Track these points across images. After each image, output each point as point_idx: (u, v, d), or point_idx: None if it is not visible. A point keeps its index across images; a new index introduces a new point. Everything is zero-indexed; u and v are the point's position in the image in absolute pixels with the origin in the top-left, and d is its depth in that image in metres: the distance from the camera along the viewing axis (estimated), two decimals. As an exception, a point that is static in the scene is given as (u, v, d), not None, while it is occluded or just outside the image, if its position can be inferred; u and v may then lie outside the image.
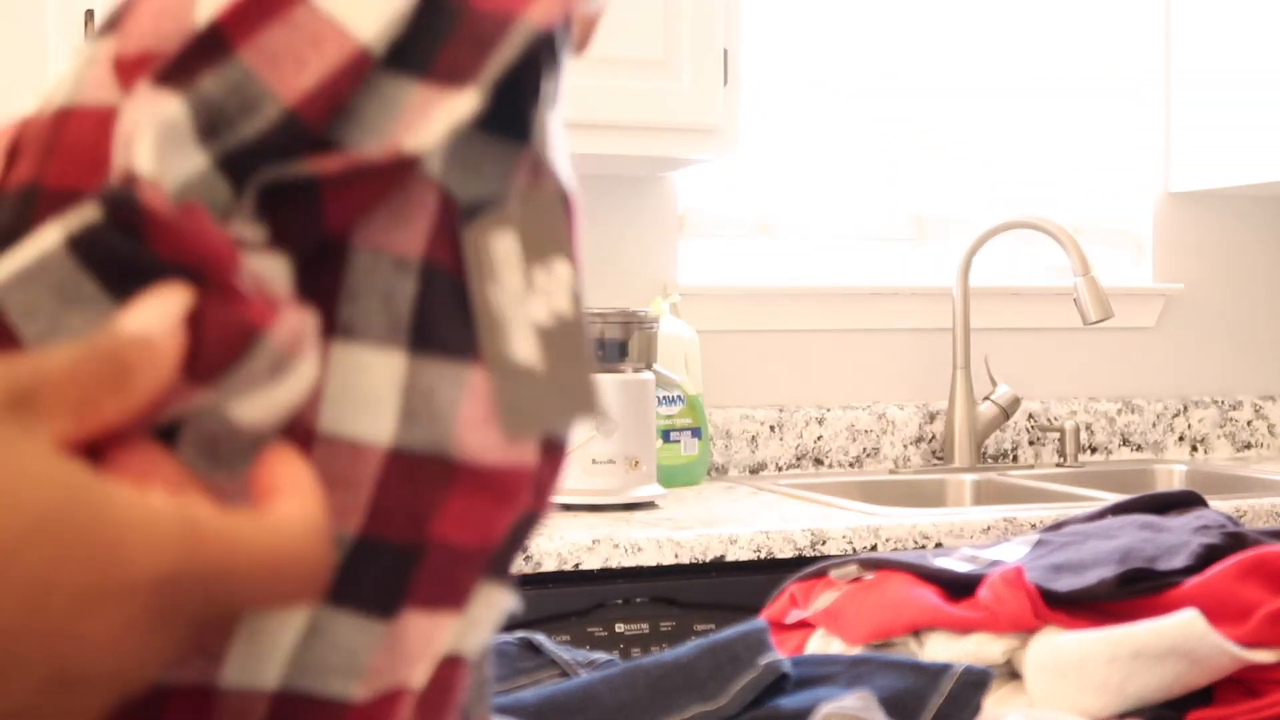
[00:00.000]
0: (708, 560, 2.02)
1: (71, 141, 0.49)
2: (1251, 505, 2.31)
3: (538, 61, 0.47)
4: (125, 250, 0.42)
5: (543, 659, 0.87)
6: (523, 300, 0.49)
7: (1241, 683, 0.86)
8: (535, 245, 0.49)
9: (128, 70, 0.50)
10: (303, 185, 0.44)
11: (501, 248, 0.48)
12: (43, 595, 0.33)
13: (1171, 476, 2.91)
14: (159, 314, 0.39)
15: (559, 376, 0.50)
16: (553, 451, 0.51)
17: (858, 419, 2.86)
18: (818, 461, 2.83)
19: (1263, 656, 0.84)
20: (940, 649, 0.92)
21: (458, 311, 0.47)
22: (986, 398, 2.85)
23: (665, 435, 2.53)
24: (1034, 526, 2.15)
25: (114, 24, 0.53)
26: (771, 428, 2.80)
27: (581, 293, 0.51)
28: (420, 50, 0.46)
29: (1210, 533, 0.95)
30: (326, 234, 0.45)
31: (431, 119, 0.45)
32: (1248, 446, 3.17)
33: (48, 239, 0.43)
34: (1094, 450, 3.05)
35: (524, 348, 0.48)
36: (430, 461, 0.45)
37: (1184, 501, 1.07)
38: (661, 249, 2.78)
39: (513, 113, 0.48)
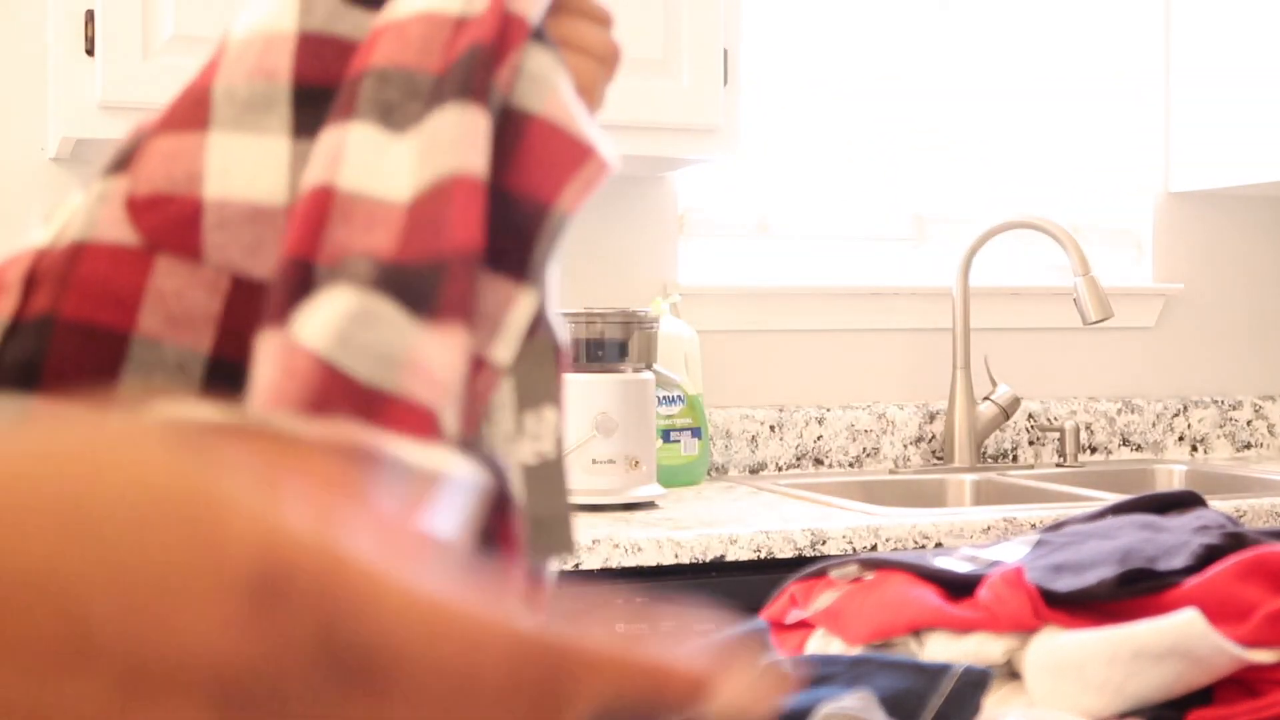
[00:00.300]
0: (708, 560, 2.02)
1: (85, 276, 0.53)
2: (1251, 505, 2.31)
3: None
4: None
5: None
6: (513, 441, 0.54)
7: (1241, 683, 0.86)
8: (529, 393, 0.55)
9: (140, 211, 0.54)
10: None
11: (500, 395, 0.54)
12: (133, 573, 0.30)
13: (1171, 476, 2.91)
14: (738, 693, 0.36)
15: (538, 514, 0.54)
16: (532, 582, 0.53)
17: (858, 419, 2.86)
18: (818, 461, 2.83)
19: (1263, 656, 0.84)
20: (940, 649, 0.92)
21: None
22: (986, 398, 2.85)
23: (665, 435, 2.53)
24: (1034, 526, 2.15)
25: (123, 164, 0.56)
26: (771, 428, 2.80)
27: (565, 436, 0.56)
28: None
29: (1210, 533, 0.95)
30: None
31: (508, 324, 0.51)
32: (1248, 446, 3.17)
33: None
34: (1094, 450, 3.05)
35: (510, 485, 0.53)
36: None
37: (1184, 501, 1.07)
38: (661, 249, 2.78)
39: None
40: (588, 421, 2.24)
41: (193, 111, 0.56)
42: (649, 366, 2.34)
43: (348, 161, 0.52)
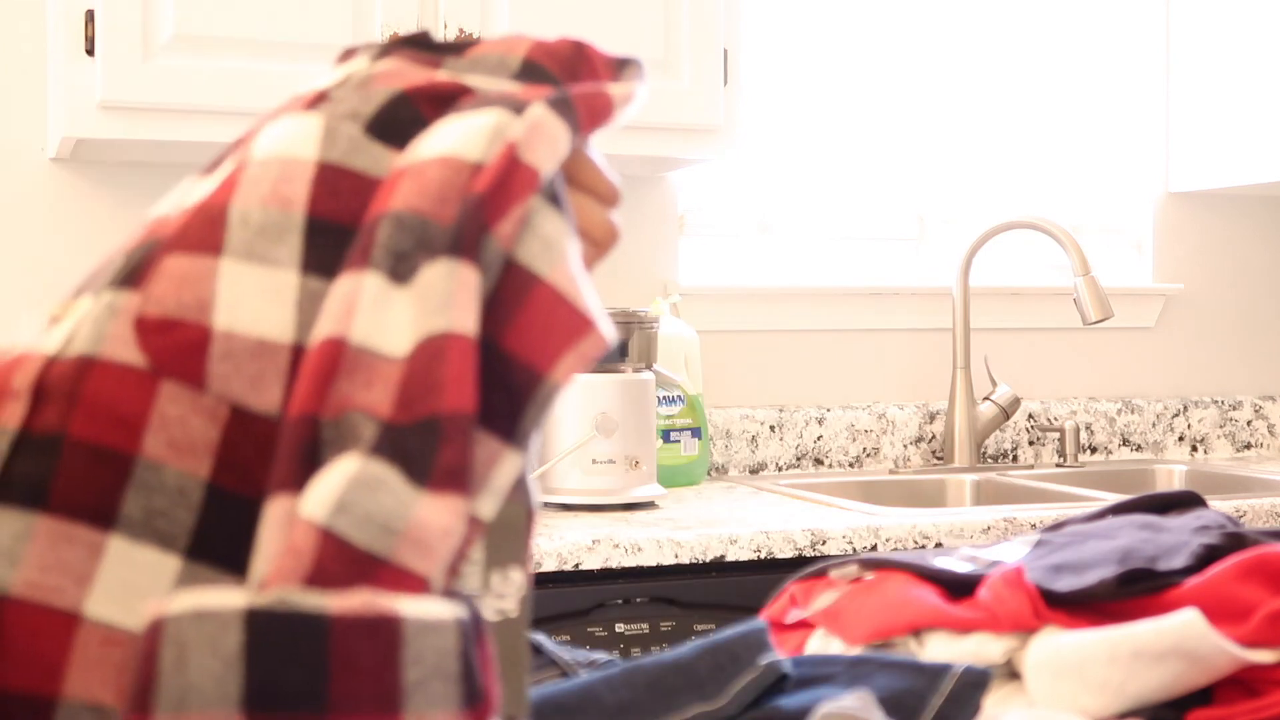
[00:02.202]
0: (708, 560, 2.02)
1: (94, 395, 0.54)
2: (1251, 505, 2.31)
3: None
4: None
5: (543, 659, 0.87)
6: (478, 598, 0.56)
7: (1241, 683, 0.86)
8: (498, 553, 0.57)
9: (149, 333, 0.55)
10: None
11: (472, 553, 0.56)
12: None
13: (1171, 476, 2.91)
14: None
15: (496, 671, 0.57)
16: None
17: (858, 419, 2.86)
18: (818, 461, 2.83)
19: (1263, 656, 0.84)
20: (940, 649, 0.92)
21: None
22: (986, 398, 2.85)
23: (665, 435, 2.53)
24: (1034, 526, 2.15)
25: (135, 278, 0.57)
26: (771, 428, 2.80)
27: (529, 597, 0.59)
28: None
29: (1210, 533, 0.95)
30: None
31: (493, 482, 0.52)
32: (1248, 446, 3.17)
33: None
34: (1094, 450, 3.05)
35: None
36: None
37: (1184, 501, 1.07)
38: (661, 249, 2.78)
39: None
40: (588, 421, 2.24)
41: (208, 231, 0.56)
42: (649, 366, 2.34)
43: (360, 312, 0.53)
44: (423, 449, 0.50)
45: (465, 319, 0.51)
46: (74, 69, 2.13)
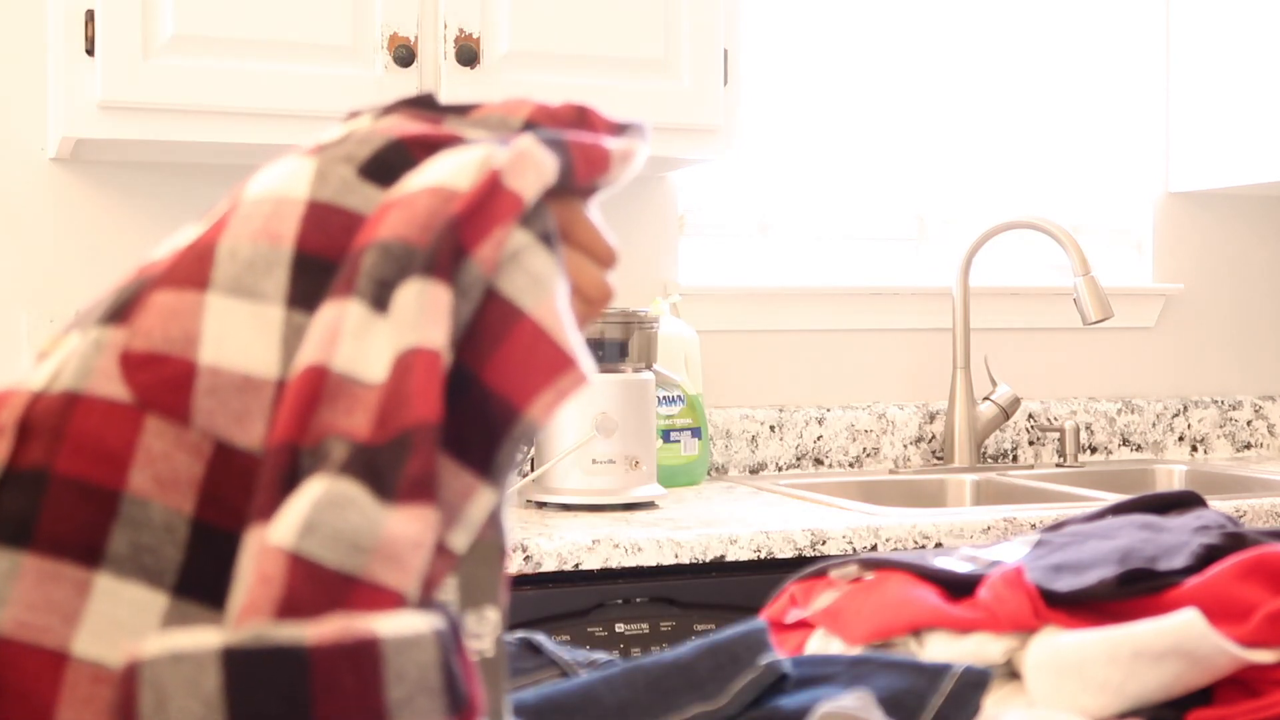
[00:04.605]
0: (708, 560, 2.02)
1: (79, 430, 0.54)
2: (1251, 505, 2.31)
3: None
4: None
5: (543, 659, 0.87)
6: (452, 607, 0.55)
7: (1241, 683, 0.86)
8: (472, 592, 0.57)
9: (134, 368, 0.55)
10: None
11: (445, 590, 0.56)
12: None
13: (1171, 476, 2.91)
14: None
15: None
16: None
17: (858, 419, 2.86)
18: (818, 461, 2.83)
19: (1263, 656, 0.84)
20: (940, 649, 0.92)
21: None
22: (986, 398, 2.85)
23: (665, 435, 2.53)
24: (1034, 526, 2.15)
25: (122, 315, 0.57)
26: (771, 428, 2.80)
27: (504, 634, 0.59)
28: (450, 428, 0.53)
29: (1210, 533, 0.95)
30: None
31: (467, 515, 0.52)
32: (1248, 446, 3.17)
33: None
34: (1094, 450, 3.05)
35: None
36: None
37: (1184, 501, 1.07)
38: (661, 249, 2.78)
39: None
40: (588, 421, 2.24)
41: (196, 267, 0.56)
42: (649, 366, 2.34)
43: (342, 340, 0.52)
44: (391, 463, 0.49)
45: (434, 333, 0.51)
46: (74, 69, 2.13)
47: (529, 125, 0.61)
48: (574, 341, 0.54)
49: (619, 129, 0.62)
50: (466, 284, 0.53)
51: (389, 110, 0.62)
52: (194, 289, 0.55)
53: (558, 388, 0.53)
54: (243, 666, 0.45)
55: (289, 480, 0.50)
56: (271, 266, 0.55)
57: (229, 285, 0.55)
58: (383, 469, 0.49)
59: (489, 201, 0.54)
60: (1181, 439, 3.12)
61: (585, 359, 0.54)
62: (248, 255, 0.56)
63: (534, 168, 0.55)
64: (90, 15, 2.13)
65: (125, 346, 0.55)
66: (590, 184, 0.59)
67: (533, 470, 2.31)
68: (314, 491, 0.49)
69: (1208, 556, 0.92)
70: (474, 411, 0.52)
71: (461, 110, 0.62)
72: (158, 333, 0.55)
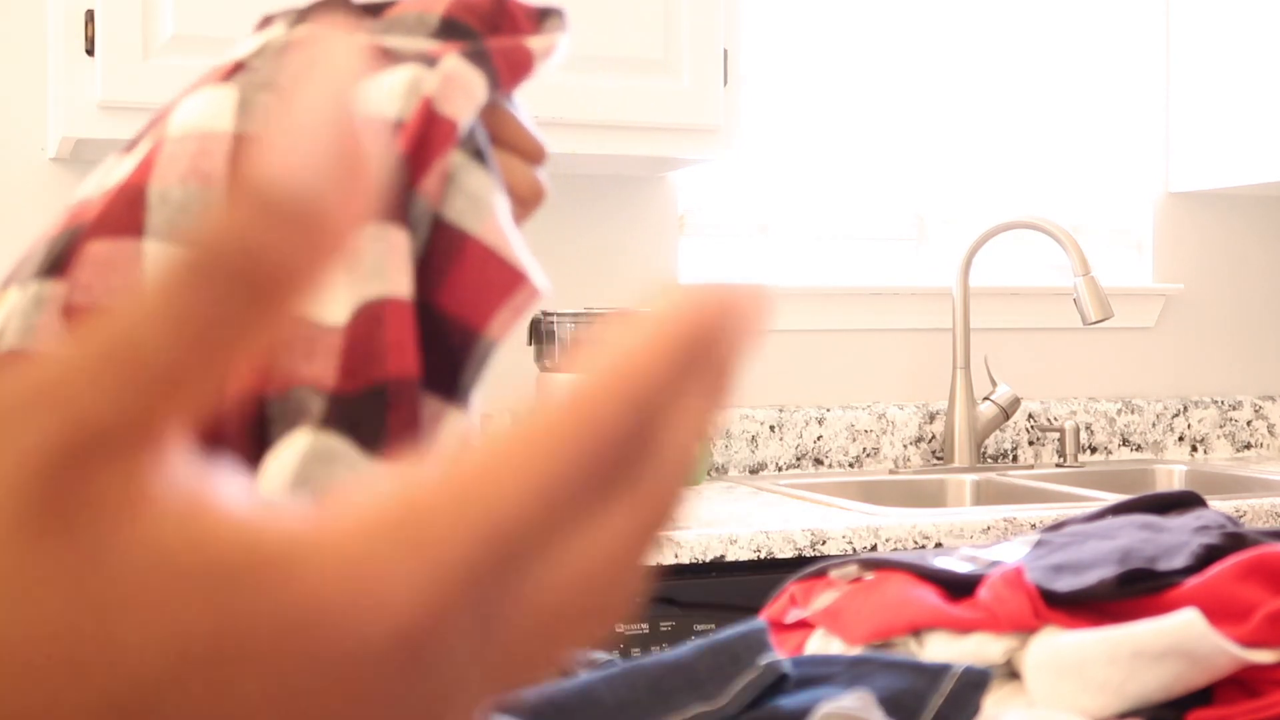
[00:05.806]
0: (708, 560, 2.02)
1: None
2: (1251, 505, 2.31)
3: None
4: None
5: (543, 659, 0.87)
6: None
7: (1241, 683, 0.86)
8: None
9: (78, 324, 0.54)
10: None
11: None
12: None
13: (1171, 476, 2.91)
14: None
15: None
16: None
17: (858, 419, 2.86)
18: (818, 461, 2.83)
19: (1263, 656, 0.84)
20: (940, 649, 0.91)
21: None
22: (986, 398, 2.85)
23: (665, 435, 2.53)
24: (1034, 526, 2.15)
25: (60, 267, 0.56)
26: (771, 428, 2.80)
27: None
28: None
29: (1210, 533, 0.95)
30: None
31: (440, 440, 0.52)
32: (1248, 446, 3.17)
33: None
34: (1094, 450, 3.05)
35: None
36: None
37: (1184, 501, 1.07)
38: (661, 249, 2.78)
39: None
40: None
41: (128, 213, 0.55)
42: (649, 366, 2.33)
43: None
44: (372, 416, 0.50)
45: (400, 282, 0.51)
46: (74, 69, 2.13)
47: (445, 20, 0.60)
48: (523, 256, 0.54)
49: (539, 16, 0.61)
50: (415, 219, 0.53)
51: (303, 15, 0.61)
52: (129, 236, 0.55)
53: (513, 304, 0.54)
54: None
55: (258, 430, 0.50)
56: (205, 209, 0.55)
57: (164, 231, 0.55)
58: (358, 421, 0.49)
59: (427, 134, 0.54)
60: (1181, 439, 3.12)
61: (536, 272, 0.55)
62: (179, 199, 0.55)
63: (464, 92, 0.55)
64: (90, 15, 2.13)
65: (66, 301, 0.54)
66: (515, 85, 0.59)
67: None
68: (300, 445, 0.49)
69: (1208, 556, 0.92)
70: (432, 339, 0.53)
71: (377, 10, 0.61)
72: (98, 285, 0.55)
